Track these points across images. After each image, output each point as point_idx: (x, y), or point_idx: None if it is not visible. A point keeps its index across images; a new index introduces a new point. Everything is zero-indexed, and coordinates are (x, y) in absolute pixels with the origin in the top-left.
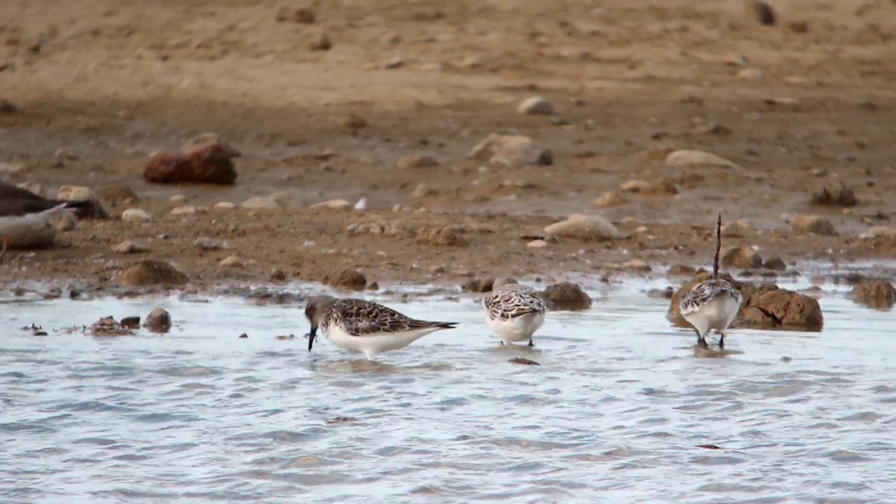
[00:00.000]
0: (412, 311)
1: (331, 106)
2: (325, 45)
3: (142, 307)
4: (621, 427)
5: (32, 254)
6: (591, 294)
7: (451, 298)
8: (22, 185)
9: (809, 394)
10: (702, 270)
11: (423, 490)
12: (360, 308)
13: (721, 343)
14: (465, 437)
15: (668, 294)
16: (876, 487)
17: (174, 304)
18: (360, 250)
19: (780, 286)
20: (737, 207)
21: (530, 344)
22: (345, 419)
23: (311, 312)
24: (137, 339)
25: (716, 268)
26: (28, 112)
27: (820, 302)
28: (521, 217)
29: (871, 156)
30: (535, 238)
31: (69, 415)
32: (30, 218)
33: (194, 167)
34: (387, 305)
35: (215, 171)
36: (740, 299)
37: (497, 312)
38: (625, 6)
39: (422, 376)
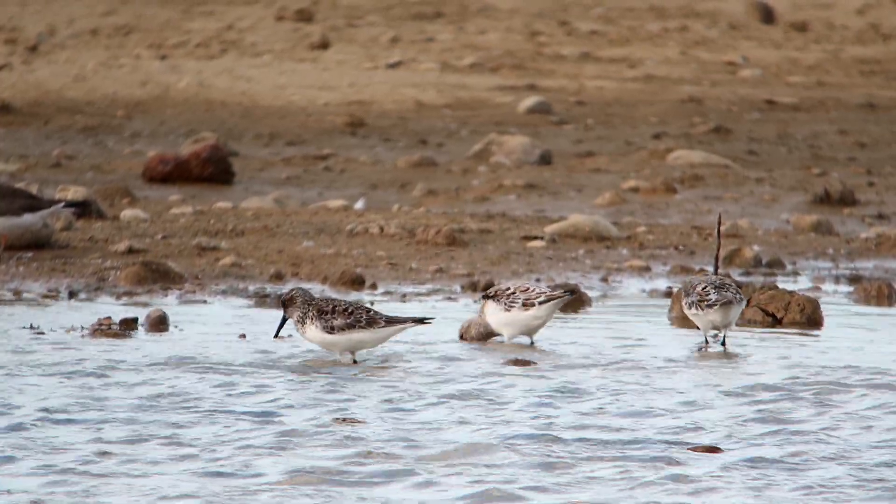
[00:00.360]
0: (412, 311)
1: (330, 105)
2: (324, 45)
3: (140, 308)
4: (622, 426)
5: (30, 254)
6: (590, 294)
7: (450, 298)
8: (20, 185)
9: (807, 394)
10: (702, 270)
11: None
12: (336, 306)
13: (723, 344)
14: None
15: (669, 294)
16: None
17: (172, 304)
18: (359, 250)
19: (781, 286)
20: (737, 207)
21: (532, 341)
22: (344, 420)
23: (289, 303)
24: (136, 340)
25: (716, 268)
26: (26, 111)
27: (820, 302)
28: (521, 217)
29: (872, 155)
30: (535, 238)
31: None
32: (27, 218)
33: (193, 167)
34: (368, 304)
35: (214, 170)
36: (744, 303)
37: (515, 304)
38: (624, 5)
39: (422, 377)
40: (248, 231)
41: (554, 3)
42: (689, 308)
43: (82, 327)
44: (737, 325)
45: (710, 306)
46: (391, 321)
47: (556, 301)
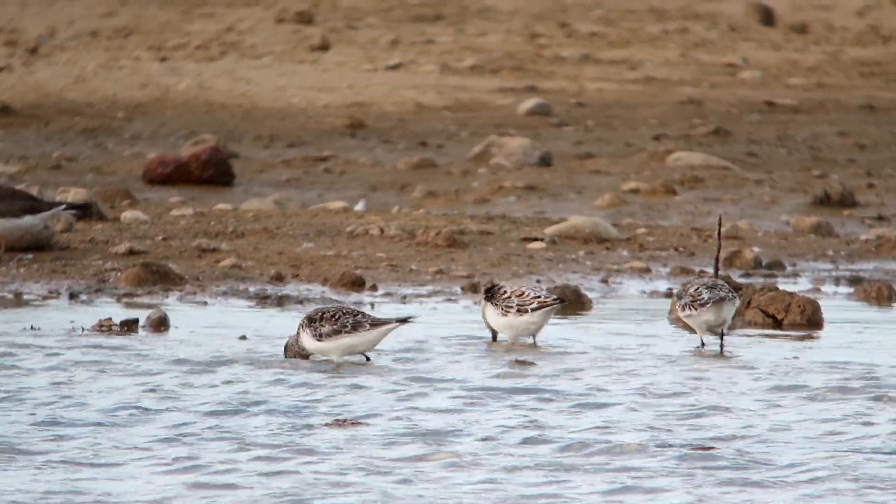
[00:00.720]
0: (412, 311)
1: (329, 107)
2: (324, 47)
3: (141, 309)
4: (621, 426)
5: (31, 255)
6: (591, 295)
7: (450, 300)
8: (20, 187)
9: (805, 392)
10: (702, 272)
11: None
12: (324, 313)
13: (721, 346)
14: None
15: (669, 295)
16: None
17: (173, 305)
18: (359, 252)
19: (781, 288)
20: (737, 209)
21: (534, 340)
22: (345, 421)
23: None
24: (136, 341)
25: (716, 269)
26: (26, 113)
27: (821, 303)
28: (521, 218)
29: (872, 157)
30: (535, 239)
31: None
32: (28, 220)
33: (193, 168)
34: (359, 308)
35: (214, 172)
36: (738, 302)
37: (511, 308)
38: (624, 7)
39: (420, 378)
40: (249, 233)
41: (554, 4)
42: (683, 310)
43: (83, 328)
44: (737, 326)
45: (702, 305)
46: (376, 323)
47: (548, 308)
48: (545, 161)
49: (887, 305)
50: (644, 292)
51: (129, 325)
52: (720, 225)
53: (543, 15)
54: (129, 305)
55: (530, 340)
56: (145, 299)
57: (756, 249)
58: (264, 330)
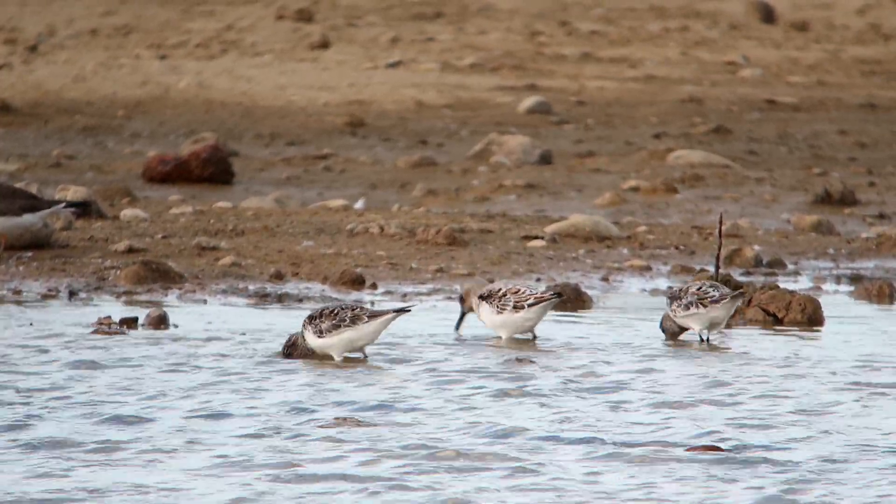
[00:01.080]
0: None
1: (329, 105)
2: (324, 45)
3: (140, 307)
4: (622, 427)
5: (30, 253)
6: (591, 294)
7: (450, 298)
8: (20, 185)
9: (794, 384)
10: (703, 270)
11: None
12: (324, 310)
13: (707, 340)
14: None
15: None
16: None
17: (172, 303)
18: (360, 250)
19: (782, 286)
20: (737, 207)
21: (534, 337)
22: (345, 420)
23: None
24: (135, 339)
25: (717, 267)
26: (26, 112)
27: (821, 301)
28: (521, 217)
29: (872, 155)
30: (536, 238)
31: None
32: (27, 218)
33: (193, 167)
34: (368, 303)
35: (214, 170)
36: (741, 301)
37: (507, 306)
38: (625, 6)
39: (421, 378)
40: (248, 231)
41: (554, 3)
42: (687, 308)
43: (82, 326)
44: (738, 324)
45: (714, 302)
46: (373, 315)
47: (544, 304)
48: (545, 159)
49: (888, 303)
50: (645, 290)
51: (129, 324)
52: (721, 223)
53: (544, 13)
54: (128, 304)
55: (527, 337)
56: (145, 297)
57: (757, 248)
58: (264, 328)
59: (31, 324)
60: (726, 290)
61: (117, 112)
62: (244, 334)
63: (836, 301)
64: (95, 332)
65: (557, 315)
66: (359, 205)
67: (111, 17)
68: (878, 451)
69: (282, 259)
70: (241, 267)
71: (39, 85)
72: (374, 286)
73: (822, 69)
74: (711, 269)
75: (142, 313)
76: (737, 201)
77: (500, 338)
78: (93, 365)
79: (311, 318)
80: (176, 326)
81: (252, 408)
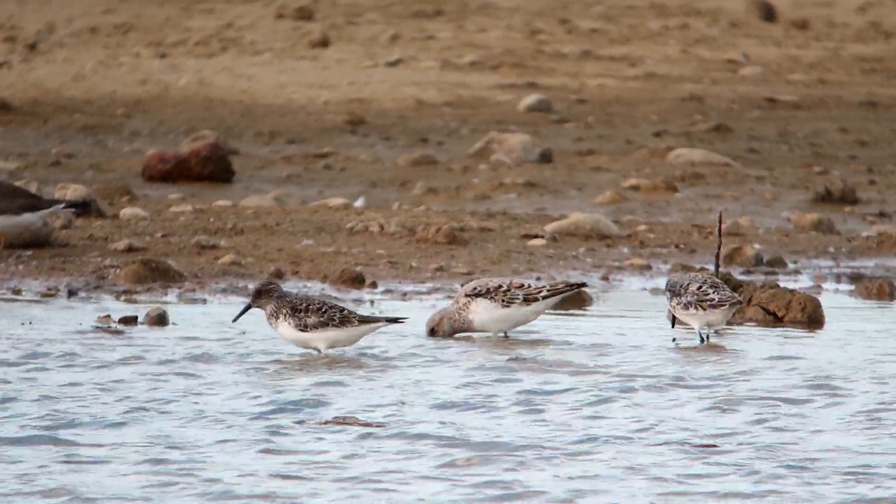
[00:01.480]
0: (412, 309)
1: (329, 104)
2: (324, 43)
3: (140, 306)
4: (622, 425)
5: (29, 252)
6: (591, 292)
7: (450, 297)
8: (19, 184)
9: (792, 385)
10: (703, 269)
11: None
12: (310, 304)
13: (707, 338)
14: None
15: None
16: None
17: (172, 302)
18: (359, 249)
19: (782, 284)
20: (738, 206)
21: (505, 335)
22: (345, 419)
23: (264, 294)
24: (135, 338)
25: (717, 266)
26: (25, 110)
27: (822, 300)
28: (522, 215)
29: (873, 154)
30: (536, 236)
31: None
32: (27, 217)
33: (192, 165)
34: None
35: (213, 169)
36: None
37: (515, 299)
38: (625, 4)
39: (416, 376)
40: (248, 229)
41: (554, 1)
42: (686, 308)
43: (82, 325)
44: (738, 323)
45: (713, 306)
46: (364, 320)
47: (559, 295)
48: (546, 158)
49: (888, 302)
50: (645, 289)
51: (128, 322)
52: (721, 222)
53: (544, 11)
54: (128, 302)
55: (499, 335)
56: (144, 296)
57: (757, 246)
58: (264, 327)
59: (30, 322)
60: (727, 291)
61: (117, 110)
62: (244, 333)
63: (837, 300)
64: (95, 330)
65: (557, 314)
66: (359, 203)
67: (111, 15)
68: None
69: (282, 258)
70: (240, 266)
71: (39, 83)
72: (373, 285)
73: (822, 67)
74: (712, 267)
75: (141, 312)
76: (737, 200)
77: (504, 336)
78: (90, 363)
79: (294, 310)
80: (175, 325)
81: (253, 405)
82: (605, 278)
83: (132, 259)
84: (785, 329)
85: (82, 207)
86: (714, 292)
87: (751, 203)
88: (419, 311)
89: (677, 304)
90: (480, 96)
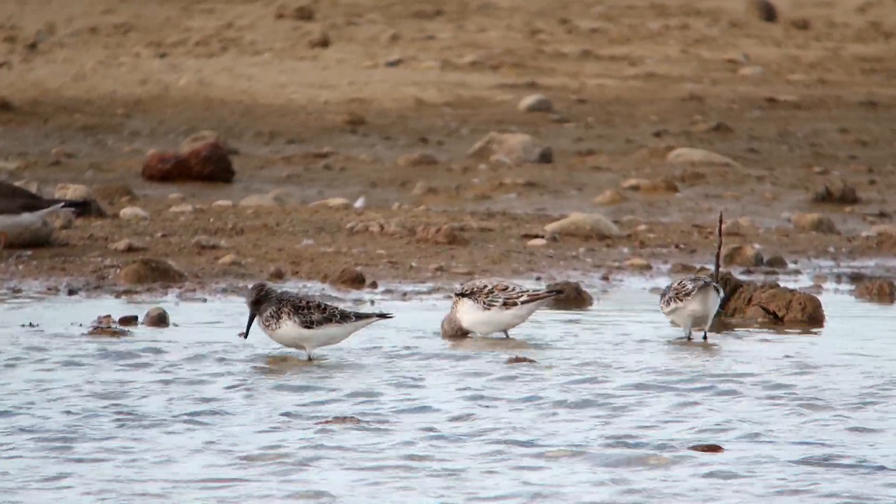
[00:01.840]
0: (411, 309)
1: (329, 104)
2: (324, 43)
3: (140, 306)
4: (622, 426)
5: (29, 252)
6: (591, 292)
7: (450, 297)
8: (19, 184)
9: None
10: (703, 268)
11: None
12: (309, 301)
13: (694, 336)
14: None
15: None
16: None
17: (172, 302)
18: (359, 249)
19: (782, 284)
20: (738, 205)
21: (506, 335)
22: (345, 419)
23: (262, 300)
24: (135, 338)
25: (717, 266)
26: (25, 110)
27: (822, 300)
28: (522, 215)
29: (873, 154)
30: (536, 236)
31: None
32: (26, 217)
33: (192, 165)
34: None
35: (214, 168)
36: (721, 293)
37: (496, 302)
38: (625, 3)
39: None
40: (248, 229)
41: (554, 1)
42: (668, 304)
43: (82, 325)
44: (738, 323)
45: (687, 294)
46: (360, 316)
47: (539, 301)
48: (546, 157)
49: (889, 302)
50: (645, 289)
51: (129, 322)
52: (721, 222)
53: (544, 11)
54: (128, 302)
55: (500, 336)
56: (144, 296)
57: (757, 246)
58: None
59: (30, 323)
60: (701, 281)
61: (117, 110)
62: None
63: (837, 300)
64: (94, 330)
65: (557, 314)
66: (359, 203)
67: (111, 15)
68: None
69: (282, 257)
70: (240, 265)
71: (39, 83)
72: (373, 285)
73: (822, 67)
74: (712, 267)
75: (141, 312)
76: (737, 200)
77: (504, 337)
78: (88, 362)
79: (296, 308)
80: (176, 325)
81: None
82: (605, 278)
83: (132, 259)
84: (785, 329)
85: (82, 207)
86: (692, 283)
87: (751, 203)
88: (419, 312)
89: (663, 302)
90: (480, 96)
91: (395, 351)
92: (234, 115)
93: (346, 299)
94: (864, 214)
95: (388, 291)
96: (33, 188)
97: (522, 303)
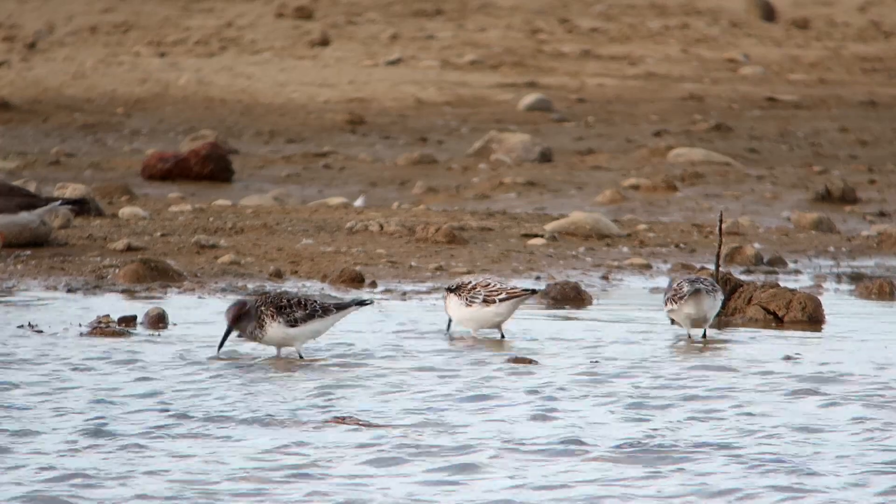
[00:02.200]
0: (412, 309)
1: (329, 103)
2: (324, 42)
3: (139, 305)
4: (622, 425)
5: (28, 252)
6: (591, 292)
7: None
8: (18, 183)
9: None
10: (703, 268)
11: None
12: (290, 300)
13: (704, 335)
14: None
15: None
16: None
17: (172, 302)
18: (359, 248)
19: (782, 284)
20: (738, 205)
21: (502, 336)
22: (344, 418)
23: (241, 317)
24: (135, 338)
25: (717, 266)
26: (25, 109)
27: (822, 300)
28: (521, 214)
29: (873, 153)
30: (536, 236)
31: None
32: (24, 216)
33: (192, 164)
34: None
35: (213, 168)
36: (720, 296)
37: (476, 299)
38: (625, 3)
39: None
40: (248, 229)
41: (554, 0)
42: (667, 305)
43: (81, 325)
44: (739, 323)
45: (681, 298)
46: (339, 307)
47: (515, 300)
48: (545, 157)
49: (889, 301)
50: (645, 288)
51: (128, 322)
52: (721, 221)
53: (544, 10)
54: (127, 302)
55: (495, 334)
56: (144, 296)
57: (757, 246)
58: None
59: (28, 323)
60: (709, 282)
61: (117, 109)
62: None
63: (837, 299)
64: (94, 330)
65: (557, 313)
66: (358, 203)
67: (110, 14)
68: None
69: (281, 257)
70: (240, 265)
71: (38, 82)
72: (373, 284)
73: (822, 67)
74: (712, 267)
75: (141, 312)
76: (737, 199)
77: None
78: (86, 363)
79: (279, 309)
80: (175, 325)
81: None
82: (605, 277)
83: (131, 258)
84: (784, 329)
85: (80, 205)
86: (688, 285)
87: (751, 202)
88: (419, 311)
89: (663, 301)
90: (480, 95)
91: (399, 350)
92: (233, 114)
93: (345, 300)
94: (865, 214)
95: (387, 291)
96: (33, 187)
97: (500, 300)
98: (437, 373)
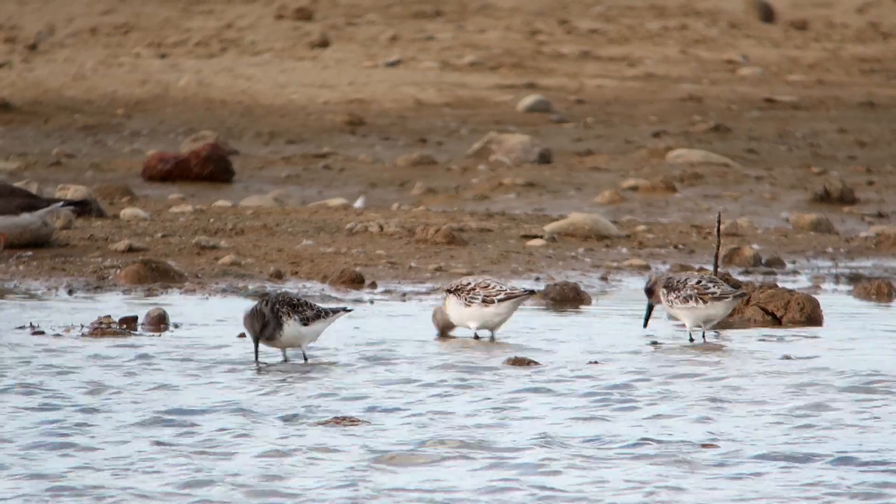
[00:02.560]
0: (412, 309)
1: (329, 104)
2: (324, 43)
3: (140, 306)
4: (622, 426)
5: (30, 252)
6: (590, 293)
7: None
8: (19, 184)
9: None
10: (702, 269)
11: None
12: (298, 299)
13: (703, 336)
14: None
15: None
16: None
17: (172, 303)
18: (359, 249)
19: (781, 285)
20: (736, 206)
21: (492, 338)
22: (344, 418)
23: (267, 326)
24: (135, 338)
25: (716, 266)
26: (26, 110)
27: (820, 300)
28: (521, 215)
29: (872, 154)
30: (535, 237)
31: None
32: (25, 217)
33: (192, 165)
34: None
35: (213, 169)
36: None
37: (475, 299)
38: (624, 4)
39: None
40: (248, 230)
41: (554, 1)
42: (685, 301)
43: (82, 326)
44: (736, 323)
45: (715, 298)
46: (334, 311)
47: (515, 300)
48: (545, 158)
49: (887, 302)
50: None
51: (129, 323)
52: (720, 222)
53: (543, 12)
54: (128, 303)
55: (488, 335)
56: (145, 296)
57: (756, 246)
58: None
59: (29, 324)
60: (726, 286)
61: (117, 110)
62: (243, 336)
63: (835, 300)
64: (95, 331)
65: (557, 314)
66: (358, 203)
67: (111, 15)
68: None
69: (281, 258)
70: (240, 266)
71: (39, 83)
72: (373, 285)
73: (821, 68)
74: (711, 267)
75: (142, 312)
76: (736, 200)
77: (492, 336)
78: (91, 363)
79: (293, 307)
80: (176, 326)
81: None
82: (603, 278)
83: (132, 259)
84: (784, 329)
85: (81, 206)
86: (714, 285)
87: (749, 203)
88: (419, 312)
89: (675, 297)
90: (480, 97)
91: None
92: (233, 115)
93: (345, 300)
94: (863, 215)
95: (387, 292)
96: (34, 188)
97: (499, 301)
98: (435, 373)
